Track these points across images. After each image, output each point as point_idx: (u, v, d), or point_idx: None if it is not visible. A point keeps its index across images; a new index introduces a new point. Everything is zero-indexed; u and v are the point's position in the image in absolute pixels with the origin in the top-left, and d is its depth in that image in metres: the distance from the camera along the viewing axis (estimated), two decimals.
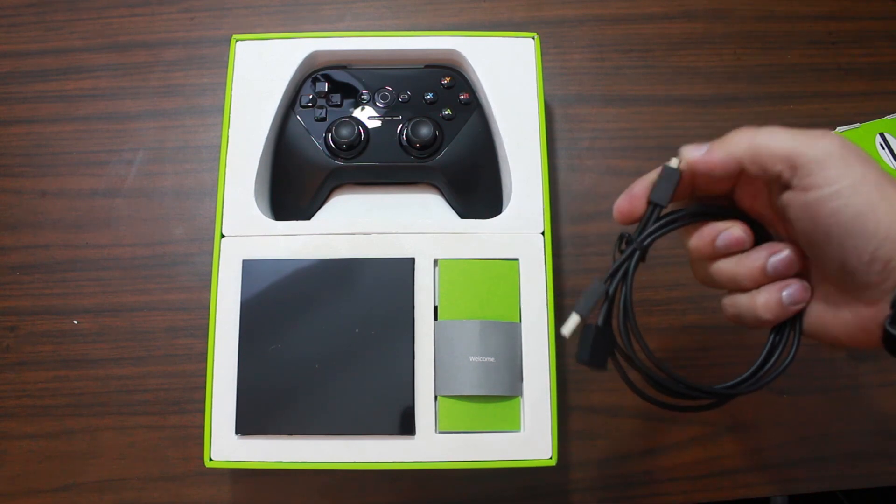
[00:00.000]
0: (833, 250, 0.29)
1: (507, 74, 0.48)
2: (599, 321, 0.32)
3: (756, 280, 0.32)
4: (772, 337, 0.34)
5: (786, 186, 0.30)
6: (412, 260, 0.44)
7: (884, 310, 0.29)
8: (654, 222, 0.33)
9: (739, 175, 0.32)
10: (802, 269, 0.32)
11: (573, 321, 0.31)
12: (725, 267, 0.33)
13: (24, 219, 0.52)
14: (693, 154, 0.32)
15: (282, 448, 0.42)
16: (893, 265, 0.28)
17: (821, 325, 0.32)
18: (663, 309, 0.51)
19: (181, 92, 0.55)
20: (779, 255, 0.32)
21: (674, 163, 0.33)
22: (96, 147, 0.54)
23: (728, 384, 0.34)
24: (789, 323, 0.33)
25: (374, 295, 0.44)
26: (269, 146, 0.48)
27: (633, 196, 0.34)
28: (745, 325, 0.34)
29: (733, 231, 0.32)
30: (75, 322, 0.50)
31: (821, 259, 0.31)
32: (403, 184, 0.49)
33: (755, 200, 0.33)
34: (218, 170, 0.49)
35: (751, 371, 0.34)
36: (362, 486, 0.48)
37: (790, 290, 0.32)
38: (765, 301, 0.32)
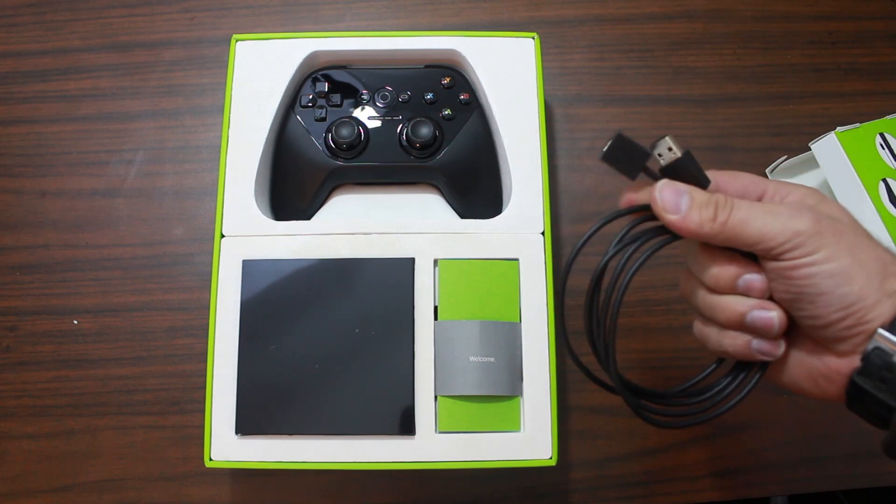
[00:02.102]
0: (806, 307, 0.29)
1: (507, 74, 0.48)
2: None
3: (732, 323, 0.31)
4: (734, 371, 0.33)
5: (760, 256, 0.31)
6: (412, 260, 0.44)
7: (852, 362, 0.29)
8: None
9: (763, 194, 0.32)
10: (780, 332, 0.31)
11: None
12: (709, 298, 0.32)
13: (24, 219, 0.52)
14: (668, 210, 0.30)
15: (282, 448, 0.42)
16: (864, 322, 0.28)
17: (786, 371, 0.32)
18: (663, 309, 0.51)
19: (181, 92, 0.55)
20: (763, 312, 0.31)
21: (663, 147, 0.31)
22: (96, 147, 0.54)
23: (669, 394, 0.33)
24: (757, 366, 0.33)
25: (374, 295, 0.44)
26: (269, 146, 0.48)
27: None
28: (707, 348, 0.34)
29: (760, 278, 0.31)
30: (75, 322, 0.50)
31: (794, 314, 0.31)
32: (403, 184, 0.49)
33: None
34: (218, 170, 0.49)
35: (690, 383, 0.34)
36: (362, 486, 0.48)
37: (760, 343, 0.31)
38: (732, 339, 0.32)
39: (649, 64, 0.56)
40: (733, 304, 0.31)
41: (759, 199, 0.32)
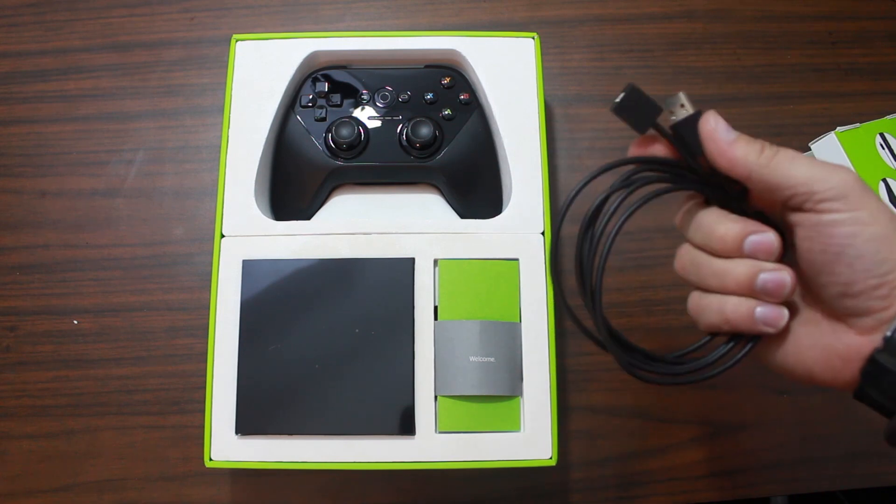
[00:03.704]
0: (841, 271, 0.28)
1: (507, 74, 0.48)
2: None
3: (740, 287, 0.30)
4: (729, 341, 0.32)
5: (795, 208, 0.30)
6: (412, 260, 0.44)
7: (873, 341, 0.29)
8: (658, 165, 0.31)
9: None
10: (791, 294, 0.30)
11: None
12: (715, 263, 0.31)
13: (24, 219, 0.52)
14: (718, 131, 0.30)
15: (282, 448, 0.42)
16: None
17: (796, 352, 0.31)
18: (663, 309, 0.51)
19: (181, 92, 0.55)
20: (774, 273, 0.30)
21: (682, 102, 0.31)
22: (96, 147, 0.54)
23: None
24: (749, 339, 0.32)
25: (374, 295, 0.44)
26: (269, 146, 0.48)
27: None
28: (701, 323, 0.33)
29: (769, 238, 0.30)
30: (75, 322, 0.50)
31: (822, 281, 0.29)
32: (403, 184, 0.49)
33: (768, 206, 0.32)
34: (218, 170, 0.49)
35: (684, 351, 0.33)
36: (362, 486, 0.48)
37: (765, 310, 0.30)
38: (735, 306, 0.30)
39: (649, 64, 0.56)
40: (742, 266, 0.30)
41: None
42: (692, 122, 0.31)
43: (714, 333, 0.33)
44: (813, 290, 0.31)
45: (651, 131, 0.31)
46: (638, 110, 0.31)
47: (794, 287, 0.30)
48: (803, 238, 0.29)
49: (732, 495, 0.49)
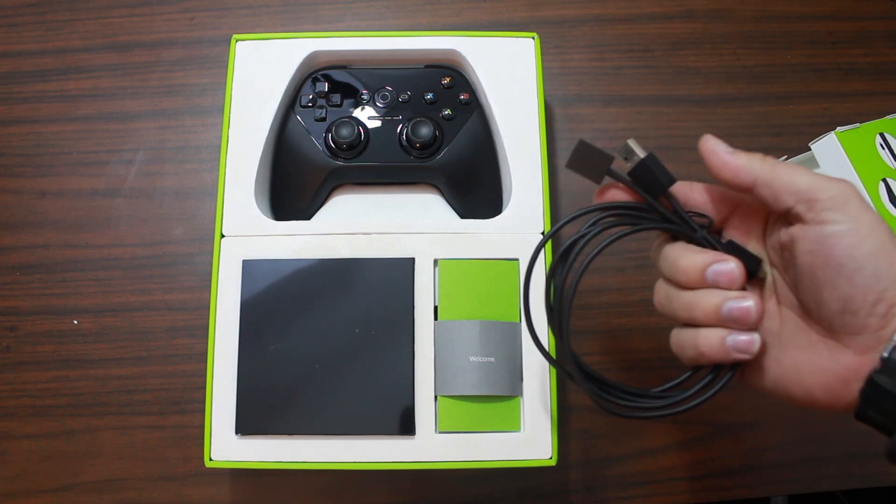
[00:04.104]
0: (841, 285, 0.28)
1: (507, 74, 0.48)
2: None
3: (708, 317, 0.31)
4: (710, 373, 0.33)
5: (793, 220, 0.30)
6: (412, 260, 0.44)
7: (872, 360, 0.28)
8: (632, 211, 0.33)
9: (735, 206, 0.33)
10: (758, 320, 0.31)
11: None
12: (684, 296, 0.32)
13: (24, 219, 0.52)
14: (718, 147, 0.31)
15: (282, 448, 0.42)
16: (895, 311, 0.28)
17: (797, 377, 0.31)
18: None
19: (181, 92, 0.55)
20: (738, 302, 0.30)
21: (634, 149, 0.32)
22: (96, 147, 0.54)
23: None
24: (727, 369, 0.32)
25: (374, 295, 0.44)
26: (269, 146, 0.48)
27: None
28: (683, 358, 0.33)
29: (731, 267, 0.31)
30: (75, 322, 0.50)
31: (823, 296, 0.29)
32: (403, 184, 0.49)
33: (748, 234, 0.33)
34: (218, 170, 0.49)
35: (662, 388, 0.33)
36: (362, 486, 0.48)
37: (735, 338, 0.31)
38: (706, 337, 0.31)
39: (649, 64, 0.56)
40: (708, 297, 0.31)
41: (729, 217, 0.34)
42: (646, 164, 0.32)
43: (697, 367, 0.34)
44: (812, 310, 0.31)
45: (609, 179, 0.33)
46: (591, 162, 0.32)
47: (762, 313, 0.31)
48: (804, 252, 0.30)
49: (732, 495, 0.49)
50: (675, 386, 0.34)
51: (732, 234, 0.33)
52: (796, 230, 0.30)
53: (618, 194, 0.33)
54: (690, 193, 0.34)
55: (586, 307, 0.51)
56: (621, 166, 0.33)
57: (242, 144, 0.46)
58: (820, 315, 0.30)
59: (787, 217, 0.30)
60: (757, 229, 0.33)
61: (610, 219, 0.33)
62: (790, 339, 0.31)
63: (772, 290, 0.33)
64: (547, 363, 0.43)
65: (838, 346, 0.30)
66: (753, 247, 0.33)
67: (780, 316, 0.32)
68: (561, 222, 0.32)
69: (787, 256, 0.31)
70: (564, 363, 0.34)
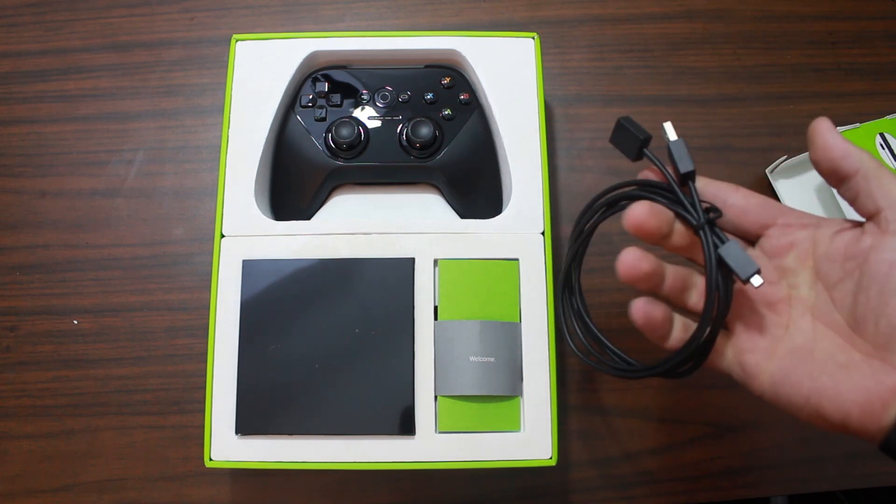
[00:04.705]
0: None
1: (507, 74, 0.48)
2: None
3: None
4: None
5: (872, 228, 0.30)
6: (412, 260, 0.44)
7: None
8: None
9: (774, 217, 0.34)
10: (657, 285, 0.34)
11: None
12: None
13: (24, 219, 0.52)
14: (832, 128, 0.32)
15: (282, 448, 0.42)
16: None
17: (836, 396, 0.29)
18: None
19: (181, 92, 0.55)
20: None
21: (670, 133, 0.34)
22: (96, 147, 0.54)
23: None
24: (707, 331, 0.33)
25: (374, 295, 0.44)
26: (269, 146, 0.48)
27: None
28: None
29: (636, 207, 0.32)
30: (75, 322, 0.50)
31: (885, 308, 0.29)
32: (403, 184, 0.49)
33: (790, 246, 0.33)
34: (218, 170, 0.49)
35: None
36: (362, 486, 0.48)
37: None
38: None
39: (649, 64, 0.56)
40: None
41: (768, 226, 0.34)
42: (669, 149, 0.33)
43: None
44: (868, 322, 0.30)
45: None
46: (629, 140, 0.34)
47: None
48: (881, 261, 0.29)
49: (732, 495, 0.49)
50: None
51: (771, 243, 0.34)
52: (876, 238, 0.30)
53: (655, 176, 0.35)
54: (731, 195, 0.34)
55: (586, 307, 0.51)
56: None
57: (242, 144, 0.46)
58: (877, 329, 0.29)
59: (867, 221, 0.31)
60: (804, 242, 0.33)
61: (634, 188, 0.35)
62: (827, 356, 0.31)
63: (806, 306, 0.33)
64: (546, 363, 0.43)
65: (885, 366, 0.29)
66: (793, 259, 0.33)
67: (815, 333, 0.32)
68: (597, 196, 0.37)
69: (849, 267, 0.31)
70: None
